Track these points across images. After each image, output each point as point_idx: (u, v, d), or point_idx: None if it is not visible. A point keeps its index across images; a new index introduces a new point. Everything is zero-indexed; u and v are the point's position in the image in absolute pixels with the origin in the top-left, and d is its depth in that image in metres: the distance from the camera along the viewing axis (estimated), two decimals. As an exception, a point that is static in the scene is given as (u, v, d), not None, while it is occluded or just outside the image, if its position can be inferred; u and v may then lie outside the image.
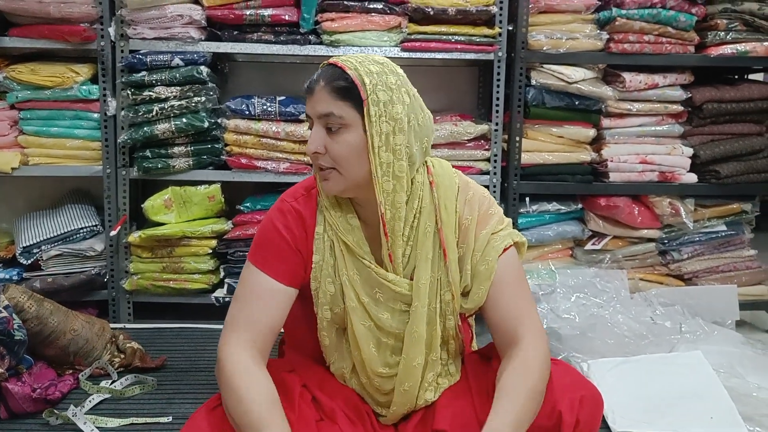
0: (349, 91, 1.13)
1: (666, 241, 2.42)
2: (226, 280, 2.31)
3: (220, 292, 2.31)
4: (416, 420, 1.25)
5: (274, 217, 1.24)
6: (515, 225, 2.33)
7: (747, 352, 1.97)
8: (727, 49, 2.31)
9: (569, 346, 1.94)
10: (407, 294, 1.20)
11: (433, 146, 2.28)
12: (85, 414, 1.56)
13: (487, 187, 2.30)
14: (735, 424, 1.58)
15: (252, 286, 1.21)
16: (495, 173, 2.33)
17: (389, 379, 1.23)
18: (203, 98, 2.21)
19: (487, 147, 2.33)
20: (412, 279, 1.21)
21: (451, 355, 1.29)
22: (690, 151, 2.36)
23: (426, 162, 1.24)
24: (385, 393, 1.25)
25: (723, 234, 2.45)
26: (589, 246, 2.41)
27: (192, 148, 2.26)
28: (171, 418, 1.58)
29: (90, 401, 1.63)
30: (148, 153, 2.25)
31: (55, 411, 1.55)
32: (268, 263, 1.21)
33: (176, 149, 2.25)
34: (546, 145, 2.35)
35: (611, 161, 2.33)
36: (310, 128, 1.18)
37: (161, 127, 2.20)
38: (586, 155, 2.34)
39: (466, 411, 1.21)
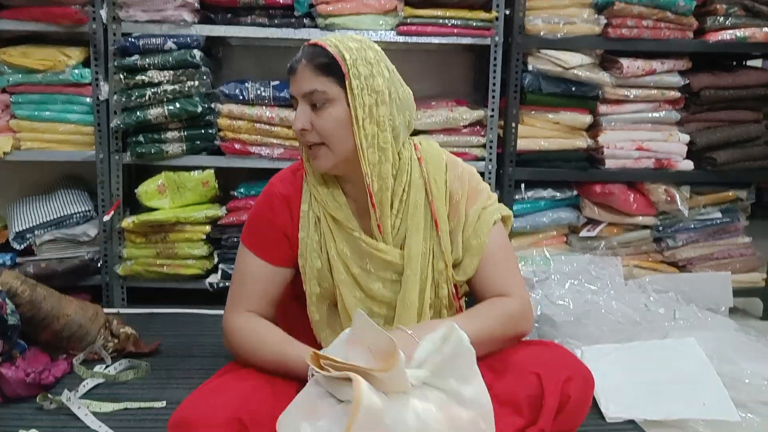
0: (330, 66, 1.18)
1: (661, 228, 2.42)
2: (220, 266, 2.31)
3: (214, 278, 2.30)
4: None
5: (261, 201, 1.31)
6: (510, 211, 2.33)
7: (740, 338, 1.98)
8: (726, 35, 2.29)
9: (563, 332, 1.95)
10: (398, 263, 1.24)
11: (429, 132, 2.28)
12: (78, 398, 1.55)
13: (482, 174, 2.29)
14: (727, 411, 1.58)
15: (246, 267, 1.30)
16: (491, 160, 2.32)
17: None
18: (196, 83, 2.19)
19: (482, 133, 2.32)
20: (402, 249, 1.24)
21: None
22: (686, 137, 2.35)
23: (413, 141, 1.29)
24: None
25: (718, 221, 2.45)
26: (583, 233, 2.40)
27: (185, 133, 2.25)
28: (165, 403, 1.57)
29: (84, 386, 1.62)
30: (141, 138, 2.23)
31: (49, 395, 1.55)
32: (257, 246, 1.28)
33: (169, 134, 2.24)
34: (542, 132, 2.34)
35: (607, 148, 2.32)
36: (295, 108, 1.22)
37: (154, 112, 2.18)
38: (583, 142, 2.33)
39: None
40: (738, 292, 2.39)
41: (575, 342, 1.89)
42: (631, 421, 1.57)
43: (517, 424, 1.16)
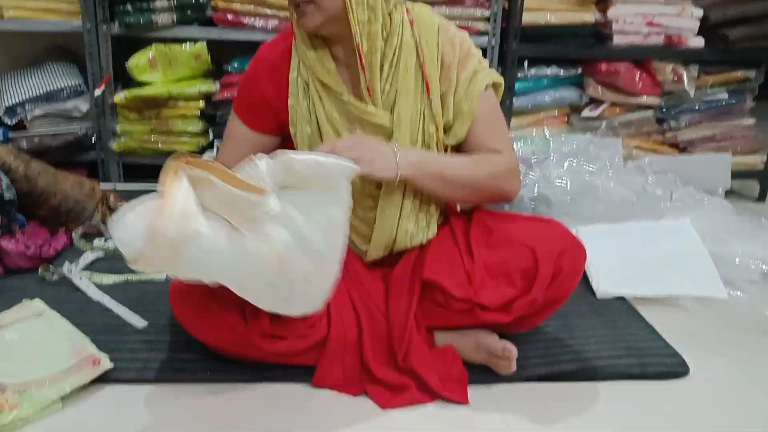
0: None
1: (664, 109, 2.37)
2: (216, 142, 2.28)
3: (209, 155, 2.28)
4: (407, 270, 1.28)
5: (249, 67, 1.31)
6: (512, 90, 2.27)
7: (734, 220, 1.99)
8: None
9: (559, 211, 1.96)
10: (388, 126, 1.23)
11: (431, 3, 2.17)
12: (80, 271, 1.58)
13: (484, 50, 2.21)
14: (716, 288, 1.62)
15: (230, 130, 1.33)
16: (494, 34, 2.23)
17: (372, 210, 1.27)
18: (186, -55, 2.06)
19: (487, 6, 2.21)
20: (392, 113, 1.23)
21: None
22: (700, 12, 2.25)
23: (406, 4, 1.25)
24: (370, 224, 1.28)
25: (724, 102, 2.39)
26: (585, 112, 2.36)
27: (175, 2, 2.14)
28: (165, 276, 1.61)
29: (84, 259, 1.65)
30: (129, 7, 2.13)
31: (50, 267, 1.57)
32: (241, 110, 1.30)
33: (158, 3, 2.13)
34: (549, 4, 2.23)
35: (616, 22, 2.22)
36: None
37: (141, -23, 2.07)
38: (591, 16, 2.23)
39: (455, 264, 1.25)
40: (736, 175, 2.38)
41: (570, 221, 1.90)
42: (621, 298, 1.61)
43: (509, 294, 1.19)
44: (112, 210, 1.89)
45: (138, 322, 1.38)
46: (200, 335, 1.18)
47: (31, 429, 1.07)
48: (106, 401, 1.15)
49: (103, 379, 1.19)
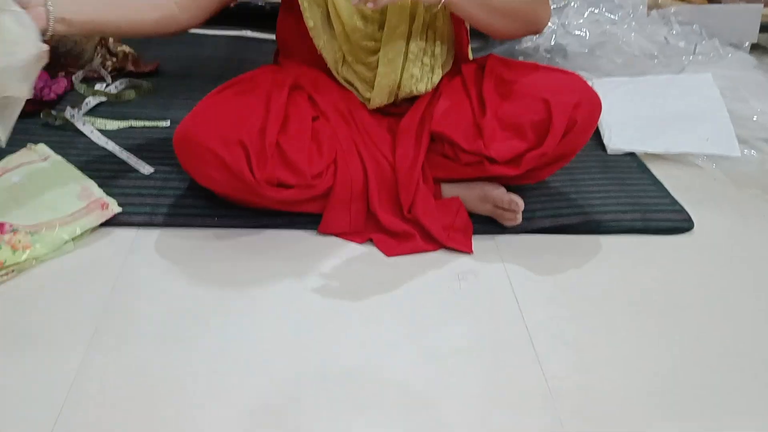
0: None
1: (698, -47, 2.20)
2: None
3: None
4: (414, 121, 1.26)
5: None
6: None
7: (757, 76, 1.91)
8: None
9: (575, 64, 1.88)
10: None
11: None
12: (83, 116, 1.56)
13: None
14: (730, 146, 1.59)
15: None
16: None
17: (374, 54, 1.23)
18: None
19: None
20: None
21: (439, 38, 1.25)
22: None
23: None
24: (372, 69, 1.24)
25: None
26: (612, -44, 2.20)
27: None
28: (169, 122, 1.58)
29: (86, 104, 1.62)
30: None
31: (53, 112, 1.55)
32: None
33: None
34: None
35: None
36: None
37: None
38: None
39: (465, 116, 1.22)
40: (765, 27, 2.26)
41: (586, 74, 1.84)
42: (632, 154, 1.59)
43: (519, 147, 1.17)
44: (111, 53, 1.82)
45: (144, 168, 1.38)
46: (206, 183, 1.17)
47: (44, 267, 1.10)
48: (116, 243, 1.18)
49: (112, 222, 1.20)
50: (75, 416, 0.84)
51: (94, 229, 1.19)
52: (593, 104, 1.18)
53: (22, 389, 0.88)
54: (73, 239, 1.15)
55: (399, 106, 1.31)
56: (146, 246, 1.17)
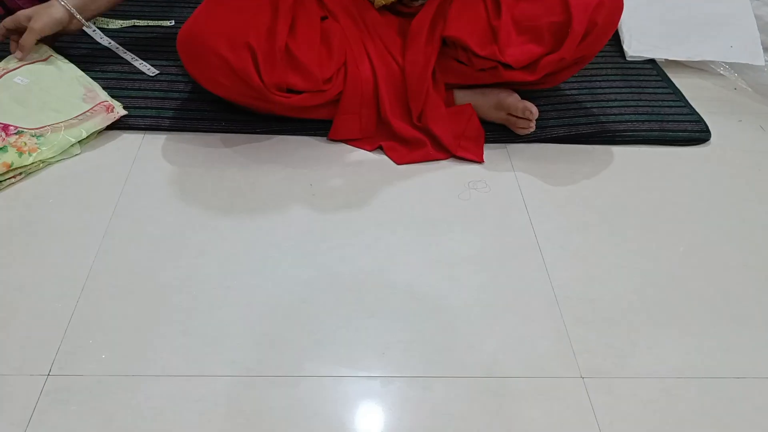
0: None
1: None
2: None
3: None
4: (425, 22, 1.20)
5: None
6: None
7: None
8: None
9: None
10: None
11: None
12: (84, 15, 1.50)
13: None
14: (754, 54, 1.52)
15: None
16: None
17: None
18: None
19: None
20: None
21: None
22: None
23: None
24: None
25: None
26: None
27: None
28: (173, 21, 1.53)
29: (87, 2, 1.56)
30: None
31: (53, 10, 1.49)
32: None
33: None
34: None
35: None
36: None
37: None
38: None
39: (479, 17, 1.17)
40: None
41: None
42: (651, 61, 1.54)
43: (536, 52, 1.12)
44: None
45: (149, 70, 1.34)
46: (212, 88, 1.14)
47: (51, 170, 1.10)
48: (122, 146, 1.16)
49: (118, 126, 1.18)
50: (90, 310, 0.86)
51: (99, 133, 1.17)
52: (615, 4, 1.12)
53: (40, 284, 0.90)
54: (79, 142, 1.13)
55: (409, 6, 1.25)
56: (153, 150, 1.16)
